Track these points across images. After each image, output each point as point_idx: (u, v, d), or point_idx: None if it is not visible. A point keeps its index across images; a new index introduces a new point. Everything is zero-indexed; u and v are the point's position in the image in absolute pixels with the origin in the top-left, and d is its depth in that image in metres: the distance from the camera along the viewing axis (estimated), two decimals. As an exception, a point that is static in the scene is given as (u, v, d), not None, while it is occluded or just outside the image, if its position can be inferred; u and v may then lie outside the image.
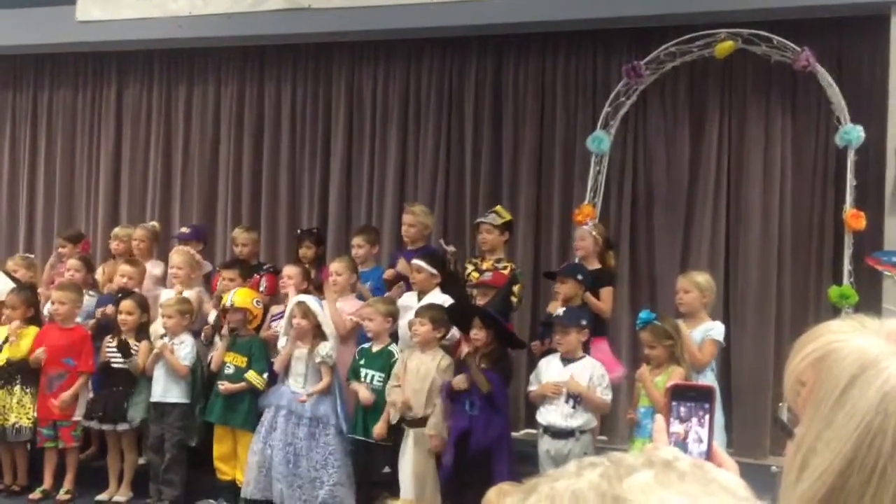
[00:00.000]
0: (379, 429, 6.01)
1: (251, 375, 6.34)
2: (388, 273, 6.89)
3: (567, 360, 5.76)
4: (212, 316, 6.86)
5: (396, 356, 6.15)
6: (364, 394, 6.10)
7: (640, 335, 5.68)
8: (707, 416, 1.14)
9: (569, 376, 5.67)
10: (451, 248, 6.82)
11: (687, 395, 1.16)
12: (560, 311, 5.93)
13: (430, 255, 6.59)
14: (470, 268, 6.68)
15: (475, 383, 5.73)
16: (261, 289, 6.93)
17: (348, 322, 6.42)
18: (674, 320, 5.73)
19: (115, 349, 6.62)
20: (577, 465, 0.75)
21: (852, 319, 1.08)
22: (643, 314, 5.70)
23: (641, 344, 5.88)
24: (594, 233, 6.56)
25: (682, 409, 1.15)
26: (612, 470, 0.72)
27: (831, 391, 1.01)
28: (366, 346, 6.29)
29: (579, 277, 6.22)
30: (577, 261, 6.66)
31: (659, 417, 1.14)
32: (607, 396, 5.68)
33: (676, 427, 1.13)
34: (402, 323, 6.36)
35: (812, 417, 1.02)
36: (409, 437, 5.97)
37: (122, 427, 6.63)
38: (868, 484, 0.95)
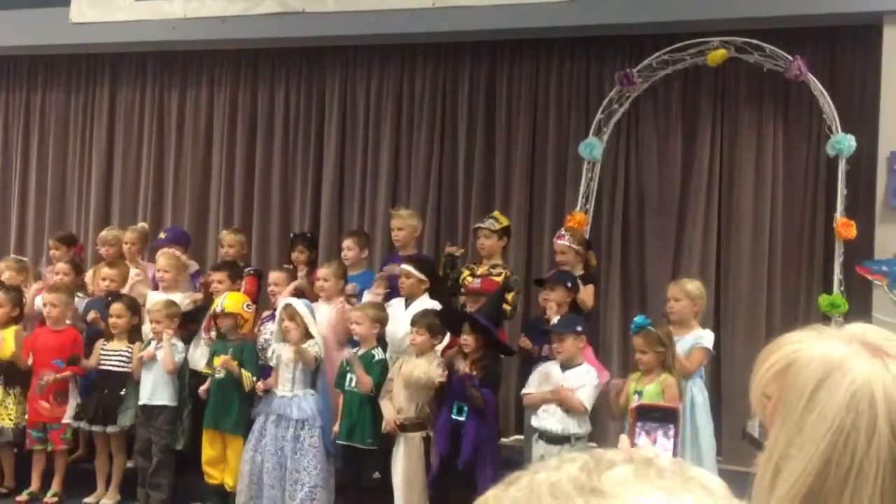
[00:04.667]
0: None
1: (245, 374, 6.32)
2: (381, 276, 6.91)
3: (565, 367, 5.77)
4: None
5: (378, 358, 6.16)
6: (365, 379, 6.08)
7: (632, 340, 5.68)
8: (672, 436, 1.14)
9: (566, 382, 5.68)
10: (451, 249, 6.84)
11: (651, 416, 1.16)
12: (555, 319, 5.94)
13: (419, 261, 6.60)
14: (466, 273, 6.68)
15: (470, 397, 5.73)
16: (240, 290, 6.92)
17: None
18: (667, 328, 5.73)
19: (106, 351, 6.64)
20: (559, 459, 0.76)
21: (810, 329, 1.08)
22: (638, 318, 5.70)
23: (632, 349, 5.89)
24: (573, 245, 6.57)
25: (647, 430, 1.15)
26: (592, 464, 0.73)
27: (799, 397, 1.01)
28: (352, 350, 6.29)
29: (569, 285, 6.24)
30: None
31: (623, 438, 1.14)
32: (585, 401, 5.67)
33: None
34: (390, 329, 6.36)
35: (781, 426, 1.02)
36: (401, 442, 5.98)
37: (111, 429, 6.62)
38: (846, 482, 0.96)
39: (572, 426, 5.67)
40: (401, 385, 5.98)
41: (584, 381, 5.68)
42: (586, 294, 6.39)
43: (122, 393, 6.62)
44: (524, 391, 5.95)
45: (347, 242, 7.09)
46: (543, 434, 5.72)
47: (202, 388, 6.44)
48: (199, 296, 7.07)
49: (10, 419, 6.73)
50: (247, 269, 7.31)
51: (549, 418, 5.70)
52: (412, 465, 5.92)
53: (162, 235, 7.65)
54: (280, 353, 6.28)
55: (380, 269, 7.33)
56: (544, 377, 5.84)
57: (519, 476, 0.76)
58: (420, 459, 5.92)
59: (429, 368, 5.89)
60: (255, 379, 6.35)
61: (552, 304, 6.17)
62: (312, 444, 6.12)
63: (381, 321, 6.26)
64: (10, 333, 6.77)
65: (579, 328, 5.82)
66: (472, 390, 5.69)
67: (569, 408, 5.65)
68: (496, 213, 6.96)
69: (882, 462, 0.95)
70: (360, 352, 6.21)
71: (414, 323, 6.03)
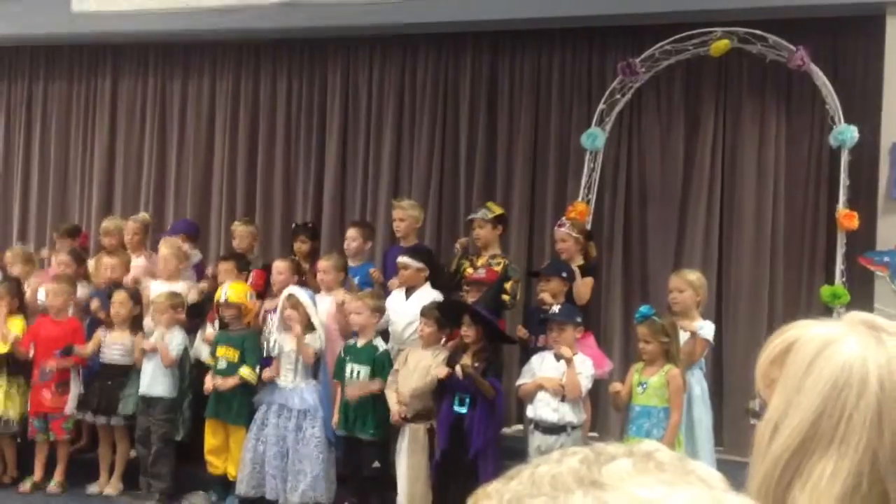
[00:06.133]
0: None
1: (244, 371, 6.34)
2: (376, 274, 6.90)
3: (560, 356, 5.77)
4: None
5: (380, 350, 6.17)
6: (375, 386, 6.10)
7: (637, 329, 5.68)
8: None
9: (561, 372, 5.68)
10: (463, 241, 6.84)
11: None
12: (555, 308, 5.94)
13: (415, 251, 6.61)
14: (466, 264, 6.68)
15: (479, 389, 5.74)
16: (247, 282, 6.93)
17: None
18: (672, 318, 5.73)
19: (110, 344, 6.67)
20: (561, 453, 0.76)
21: (813, 318, 1.20)
22: (643, 308, 5.69)
23: (634, 340, 5.89)
24: (574, 233, 6.57)
25: None
26: (593, 457, 0.73)
27: (800, 366, 1.11)
28: (351, 342, 6.30)
29: (563, 275, 6.24)
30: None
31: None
32: (584, 385, 5.67)
33: None
34: (391, 320, 6.37)
35: (781, 393, 1.12)
36: (406, 434, 5.99)
37: (115, 421, 6.64)
38: (836, 429, 1.06)
39: (568, 415, 5.66)
40: (406, 376, 5.99)
41: (580, 369, 5.68)
42: (584, 287, 6.38)
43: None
44: (518, 382, 5.95)
45: (351, 232, 7.08)
46: (539, 424, 5.72)
47: (207, 384, 6.44)
48: (205, 286, 7.07)
49: (15, 410, 6.75)
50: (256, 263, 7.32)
51: (544, 408, 5.69)
52: (417, 456, 5.92)
53: (178, 226, 7.68)
54: (282, 343, 6.29)
55: (381, 261, 7.35)
56: (539, 365, 5.85)
57: (520, 470, 0.76)
58: (424, 451, 5.92)
59: (433, 363, 5.91)
60: (257, 370, 6.37)
61: (548, 295, 6.17)
62: (314, 434, 6.14)
63: (380, 310, 6.27)
64: (16, 324, 6.79)
65: (579, 319, 5.83)
66: (481, 382, 5.69)
67: (568, 389, 5.63)
68: (489, 203, 6.97)
69: (869, 413, 1.05)
70: (361, 343, 6.21)
71: (423, 314, 6.03)
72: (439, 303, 6.14)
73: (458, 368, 5.72)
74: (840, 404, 1.06)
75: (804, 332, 1.14)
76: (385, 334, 6.42)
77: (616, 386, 5.71)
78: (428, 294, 6.32)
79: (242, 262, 7.06)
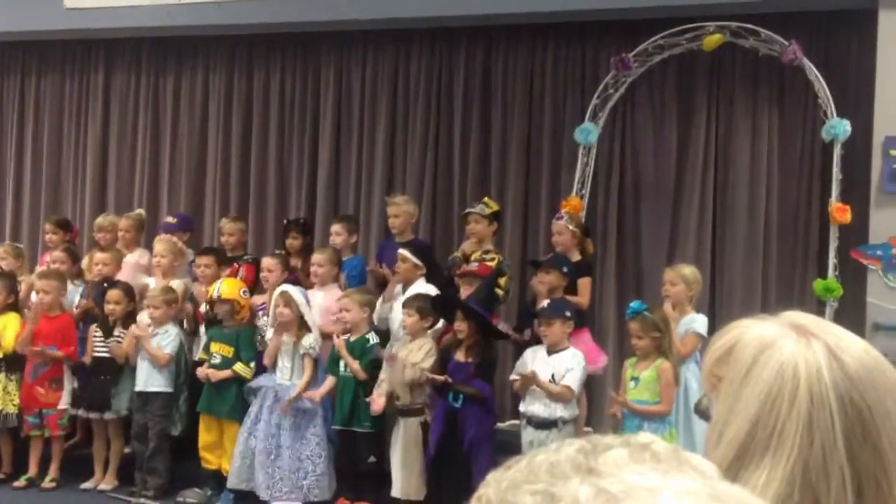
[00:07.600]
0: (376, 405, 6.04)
1: (239, 367, 6.35)
2: (374, 266, 6.92)
3: (552, 350, 5.78)
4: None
5: (371, 343, 6.18)
6: (354, 366, 6.13)
7: (629, 325, 5.69)
8: None
9: (553, 367, 5.69)
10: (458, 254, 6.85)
11: None
12: (545, 302, 5.95)
13: (415, 246, 6.62)
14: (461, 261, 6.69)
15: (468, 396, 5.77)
16: (237, 278, 6.92)
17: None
18: (663, 312, 5.74)
19: (101, 337, 6.65)
20: (558, 444, 0.77)
21: (753, 316, 1.26)
22: (634, 304, 5.70)
23: (628, 335, 5.90)
24: (571, 226, 6.57)
25: None
26: (589, 447, 0.75)
27: (739, 372, 1.16)
28: (344, 337, 6.30)
29: (564, 270, 6.24)
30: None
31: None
32: (573, 384, 5.66)
33: None
34: (393, 316, 6.38)
35: (725, 398, 1.18)
36: (400, 427, 6.00)
37: (108, 416, 6.64)
38: (770, 439, 1.11)
39: (559, 410, 5.67)
40: (396, 370, 6.00)
41: (571, 365, 5.69)
42: (582, 291, 6.39)
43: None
44: (512, 377, 5.97)
45: (336, 228, 7.11)
46: (531, 419, 5.73)
47: (199, 372, 6.44)
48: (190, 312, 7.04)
49: (14, 405, 6.76)
50: (245, 257, 7.31)
51: (534, 403, 5.71)
52: (410, 450, 5.94)
53: (171, 220, 7.65)
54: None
55: (375, 255, 7.35)
56: (531, 360, 5.87)
57: (518, 460, 0.78)
58: (418, 444, 5.95)
59: (417, 359, 5.91)
60: (252, 365, 6.37)
61: (543, 289, 6.17)
62: (315, 433, 6.15)
63: (370, 305, 6.27)
64: (11, 320, 6.78)
65: (568, 313, 5.82)
66: (468, 390, 5.72)
67: (548, 394, 5.65)
68: (486, 199, 6.98)
69: (801, 422, 1.09)
70: (353, 338, 6.22)
71: (405, 305, 6.05)
72: (433, 298, 6.15)
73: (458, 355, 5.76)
74: (774, 414, 1.11)
75: (745, 333, 1.19)
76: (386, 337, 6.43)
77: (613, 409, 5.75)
78: (422, 289, 6.34)
79: (222, 256, 7.05)
